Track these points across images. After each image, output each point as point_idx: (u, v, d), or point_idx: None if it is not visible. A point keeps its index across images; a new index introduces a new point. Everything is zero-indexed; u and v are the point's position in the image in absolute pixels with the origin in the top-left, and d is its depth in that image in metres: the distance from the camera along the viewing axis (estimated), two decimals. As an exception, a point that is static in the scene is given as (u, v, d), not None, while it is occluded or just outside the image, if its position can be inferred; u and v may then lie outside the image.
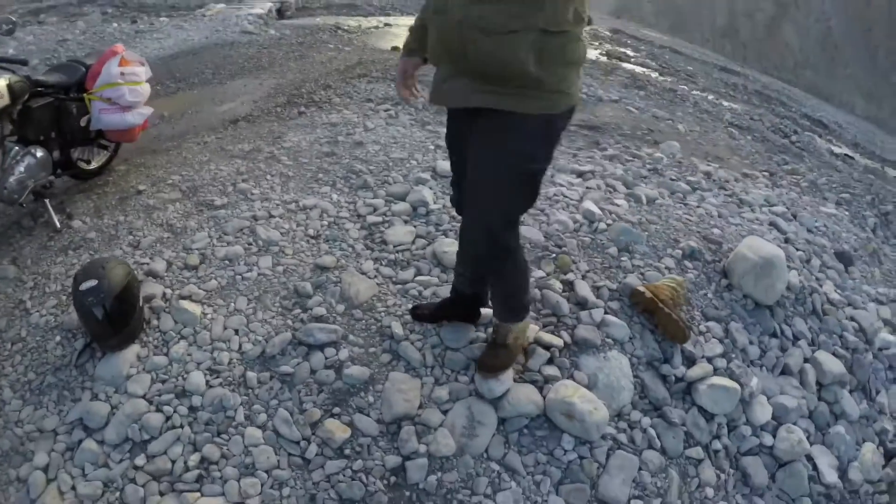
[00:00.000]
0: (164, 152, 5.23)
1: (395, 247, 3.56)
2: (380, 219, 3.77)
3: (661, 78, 14.20)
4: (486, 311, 3.01)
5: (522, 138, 2.04)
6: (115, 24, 12.01)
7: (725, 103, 14.63)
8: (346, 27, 13.05)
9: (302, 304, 3.08)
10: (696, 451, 2.92)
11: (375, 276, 3.33)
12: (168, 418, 2.55)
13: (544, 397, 2.76)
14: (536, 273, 3.52)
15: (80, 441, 2.51)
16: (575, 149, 6.78)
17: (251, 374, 2.69)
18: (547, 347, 2.99)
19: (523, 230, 3.87)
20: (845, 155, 15.74)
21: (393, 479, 2.42)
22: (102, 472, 2.40)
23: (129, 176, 4.66)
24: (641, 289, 3.33)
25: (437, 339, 2.92)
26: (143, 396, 2.63)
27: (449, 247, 3.49)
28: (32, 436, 2.56)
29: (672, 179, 5.71)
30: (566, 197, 4.46)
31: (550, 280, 3.44)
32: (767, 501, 2.94)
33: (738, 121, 12.67)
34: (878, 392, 3.97)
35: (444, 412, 2.64)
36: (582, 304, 3.31)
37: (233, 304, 3.06)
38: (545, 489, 2.53)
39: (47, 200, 3.85)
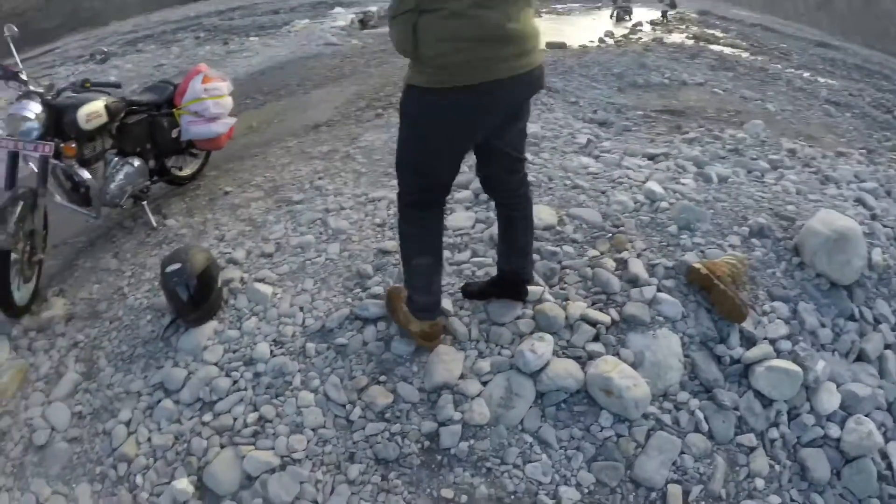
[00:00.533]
0: (250, 158, 5.61)
1: (454, 231, 3.60)
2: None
3: (752, 57, 13.45)
4: (535, 289, 3.02)
5: (404, 102, 2.22)
6: (207, 47, 12.53)
7: (822, 80, 13.71)
8: None
9: (362, 284, 3.21)
10: (749, 439, 2.67)
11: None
12: (235, 382, 2.76)
13: (586, 373, 2.65)
14: (590, 252, 3.38)
15: (160, 401, 2.76)
16: (654, 134, 6.52)
17: (310, 345, 2.85)
18: (594, 324, 2.88)
19: (580, 212, 3.75)
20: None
21: (427, 443, 2.48)
22: (175, 426, 2.64)
23: (219, 180, 5.08)
24: (697, 265, 3.09)
25: (485, 314, 2.94)
26: (216, 364, 2.87)
27: None
28: (120, 396, 2.84)
29: (752, 159, 5.35)
30: (630, 179, 4.23)
31: (603, 259, 3.33)
32: (828, 500, 2.69)
33: (836, 97, 11.87)
34: None
35: (484, 383, 2.65)
36: (633, 282, 3.13)
37: (300, 286, 3.26)
38: (576, 464, 2.44)
39: (145, 203, 4.28)
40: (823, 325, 3.28)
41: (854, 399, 2.98)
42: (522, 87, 2.19)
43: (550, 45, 11.01)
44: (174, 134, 4.56)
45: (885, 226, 4.31)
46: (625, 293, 3.11)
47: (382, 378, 2.67)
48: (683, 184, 4.17)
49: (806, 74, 13.44)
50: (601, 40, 12.70)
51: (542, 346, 2.68)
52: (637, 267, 3.22)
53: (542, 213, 3.67)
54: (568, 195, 3.99)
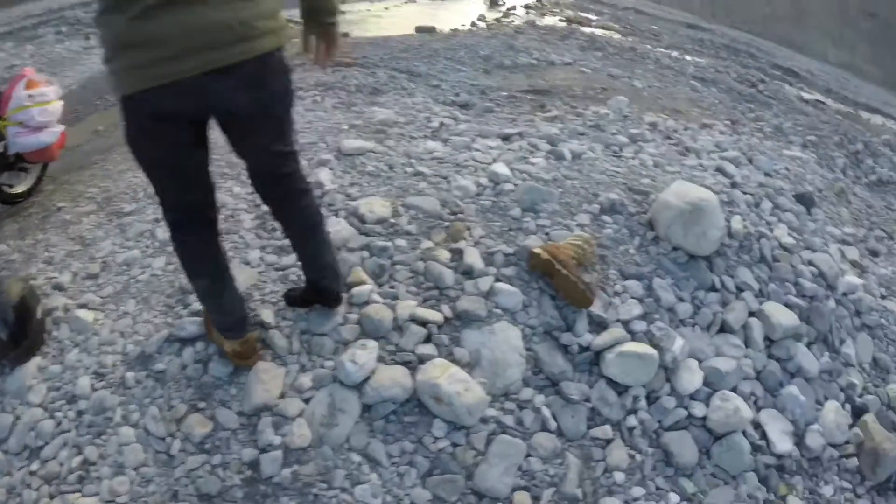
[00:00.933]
0: (89, 167, 5.00)
1: (283, 232, 3.21)
2: None
3: (622, 39, 13.57)
4: (362, 290, 2.77)
5: None
6: (66, 43, 11.56)
7: (689, 58, 13.98)
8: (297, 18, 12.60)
9: (184, 300, 2.93)
10: (604, 431, 2.47)
11: (259, 265, 3.07)
12: (58, 423, 2.50)
13: (415, 380, 2.42)
14: (424, 244, 3.02)
15: (-11, 452, 2.44)
16: (516, 113, 6.28)
17: (130, 375, 2.60)
18: (424, 324, 2.61)
19: (418, 200, 3.38)
20: (816, 100, 15.10)
21: (249, 472, 2.28)
22: (6, 479, 2.38)
23: (54, 195, 4.54)
24: (538, 250, 2.77)
25: (306, 323, 2.68)
26: (41, 405, 2.59)
27: (334, 226, 3.17)
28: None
29: (612, 134, 5.17)
30: (477, 161, 3.89)
31: (437, 250, 2.97)
32: (698, 481, 2.45)
33: (702, 74, 12.07)
34: (842, 342, 3.39)
35: (306, 401, 2.43)
36: (468, 273, 2.82)
37: (123, 308, 2.95)
38: (409, 481, 2.22)
39: None
40: (682, 300, 3.04)
41: (717, 375, 2.76)
42: (229, 82, 1.79)
43: (420, 30, 10.66)
44: (1, 148, 4.11)
45: (745, 192, 4.18)
46: (459, 286, 2.78)
47: (202, 405, 2.44)
48: (533, 163, 3.87)
49: (675, 54, 13.67)
50: (473, 24, 12.47)
51: (363, 355, 2.42)
52: (473, 256, 2.88)
53: (375, 206, 3.28)
54: (407, 183, 3.60)
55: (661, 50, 13.59)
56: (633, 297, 2.91)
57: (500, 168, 3.65)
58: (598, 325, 2.72)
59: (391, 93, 6.48)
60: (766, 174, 5.11)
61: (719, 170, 4.48)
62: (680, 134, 5.52)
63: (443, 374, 2.32)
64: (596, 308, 2.72)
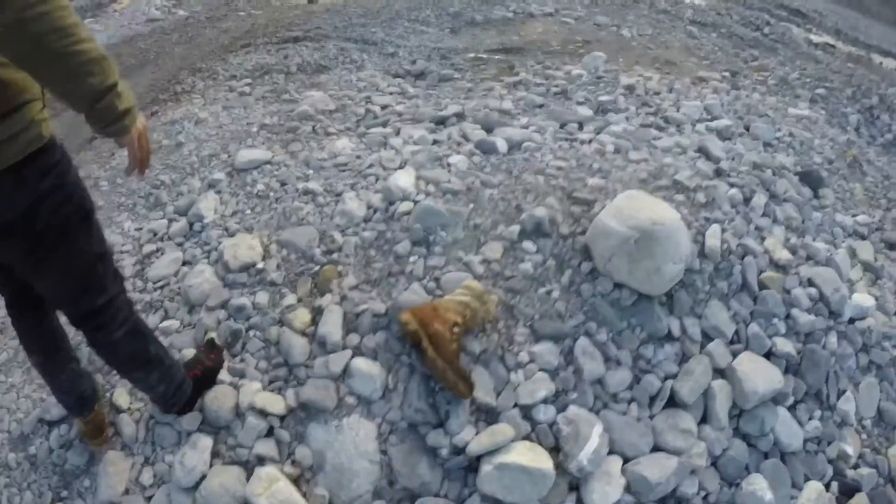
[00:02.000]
0: None
1: (154, 283, 2.67)
2: (155, 246, 2.86)
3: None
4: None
5: None
6: None
7: (686, 1, 12.58)
8: None
9: None
10: None
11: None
12: None
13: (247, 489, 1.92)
14: (286, 300, 2.23)
15: None
16: (478, 79, 5.25)
17: (12, 456, 2.27)
18: (266, 414, 2.04)
19: (294, 235, 2.55)
20: (826, 44, 13.56)
21: None
22: None
23: None
24: (406, 317, 1.89)
25: (152, 409, 2.21)
26: None
27: (196, 277, 2.49)
28: None
29: (577, 103, 4.17)
30: (383, 167, 2.93)
31: (295, 311, 2.13)
32: None
33: (701, 17, 10.66)
34: (841, 394, 2.43)
35: (149, 498, 2.03)
36: (323, 345, 1.93)
37: (10, 379, 2.57)
38: None
39: None
40: (617, 364, 2.10)
41: (644, 485, 1.87)
42: None
43: None
44: None
45: (731, 184, 3.13)
46: (311, 364, 1.92)
47: (64, 493, 2.13)
48: (450, 164, 2.87)
49: (674, -4, 12.29)
50: None
51: (193, 456, 1.96)
52: (331, 322, 2.03)
53: (242, 248, 2.47)
54: (291, 208, 2.71)
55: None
56: (543, 370, 2.00)
57: (402, 179, 2.65)
58: (486, 415, 1.82)
59: (337, 69, 5.50)
60: (767, 144, 4.05)
61: (702, 150, 3.44)
62: (661, 98, 4.45)
63: (266, 491, 1.79)
64: (483, 393, 1.81)
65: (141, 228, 3.00)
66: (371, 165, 2.95)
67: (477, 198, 2.57)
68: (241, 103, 4.50)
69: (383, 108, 4.14)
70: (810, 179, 3.68)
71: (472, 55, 6.02)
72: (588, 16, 8.22)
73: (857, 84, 6.75)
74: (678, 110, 4.19)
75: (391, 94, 4.57)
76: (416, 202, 2.51)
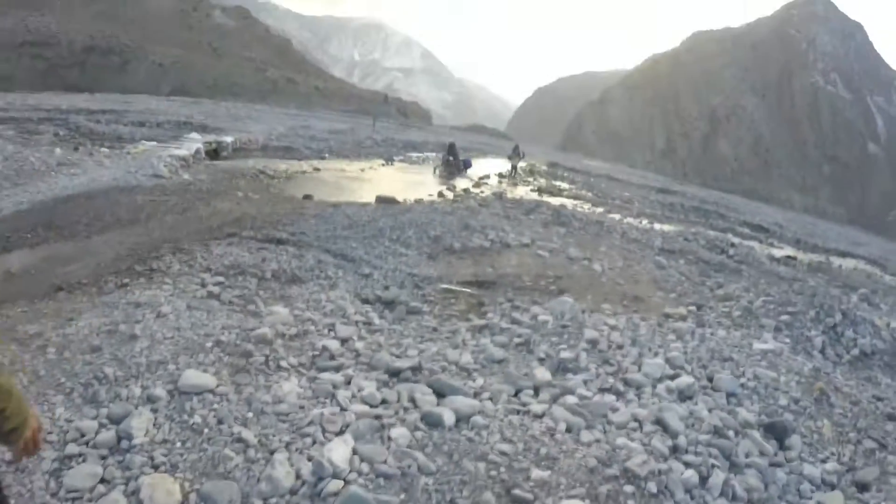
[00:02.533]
0: None
1: (68, 493, 2.40)
2: (78, 450, 2.60)
3: (591, 209, 12.66)
4: None
5: None
6: (58, 150, 10.69)
7: (658, 227, 13.00)
8: (271, 172, 11.76)
9: None
10: None
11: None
12: None
13: None
14: None
15: None
16: (445, 315, 5.12)
17: None
18: None
19: (214, 489, 2.28)
20: (787, 257, 13.94)
21: None
22: None
23: None
24: None
25: None
26: None
27: None
28: None
29: (539, 359, 4.01)
30: (323, 428, 2.69)
31: None
32: None
33: (670, 245, 10.99)
34: None
35: None
36: None
37: None
38: None
39: None
40: None
41: None
42: None
43: (380, 200, 9.76)
44: None
45: (687, 464, 2.87)
46: None
47: None
48: (390, 438, 2.60)
49: (644, 222, 12.79)
50: (441, 194, 11.56)
51: None
52: None
53: (158, 492, 2.24)
54: (220, 455, 2.45)
55: (630, 220, 12.63)
56: None
57: (336, 452, 2.38)
58: None
59: (311, 283, 5.39)
60: (731, 395, 3.85)
61: (659, 422, 3.19)
62: (624, 353, 4.28)
63: None
64: None
65: (71, 421, 2.77)
66: (311, 423, 2.69)
67: (410, 486, 2.26)
68: (206, 307, 4.22)
69: (343, 342, 3.91)
70: (776, 431, 3.46)
71: (444, 286, 5.97)
72: (562, 247, 8.39)
73: (819, 304, 6.68)
74: (639, 369, 4.01)
75: (356, 323, 4.41)
76: (346, 482, 2.21)
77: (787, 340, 5.79)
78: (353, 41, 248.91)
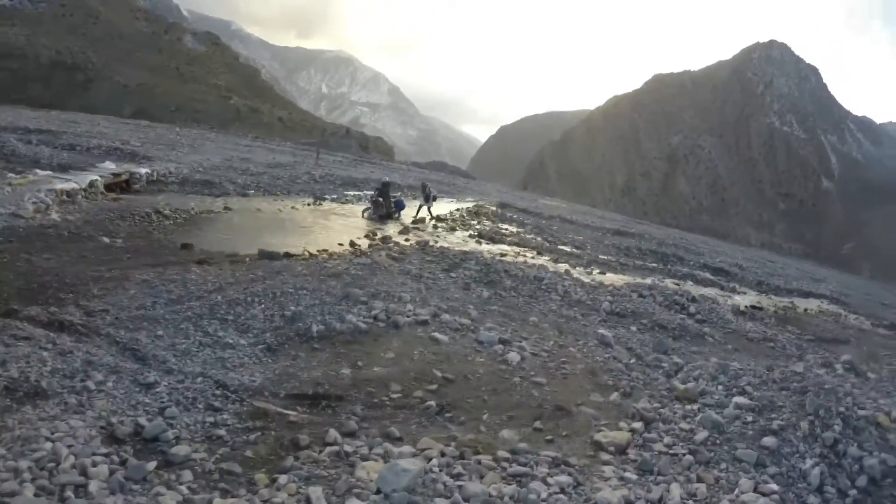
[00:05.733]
0: None
1: None
2: None
3: (531, 261, 10.29)
4: None
5: None
6: None
7: (610, 279, 10.77)
8: (169, 211, 9.32)
9: None
10: None
11: None
12: None
13: None
14: None
15: None
16: (216, 476, 2.89)
17: None
18: None
19: None
20: (751, 307, 11.95)
21: None
22: None
23: None
24: None
25: None
26: None
27: None
28: None
29: None
30: None
31: None
32: None
33: (621, 305, 8.71)
34: None
35: None
36: None
37: None
38: None
39: None
40: None
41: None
42: None
43: (262, 254, 7.25)
44: None
45: None
46: None
47: None
48: None
49: (594, 273, 10.54)
50: (352, 244, 8.98)
51: None
52: None
53: None
54: None
55: (577, 272, 10.21)
56: None
57: None
58: None
59: (55, 399, 3.45)
60: None
61: None
62: None
63: None
64: None
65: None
66: None
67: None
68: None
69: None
70: None
71: (261, 404, 3.67)
72: (476, 322, 6.06)
73: (814, 410, 4.46)
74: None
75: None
76: None
77: (775, 486, 3.62)
78: (321, 74, 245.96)
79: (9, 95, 30.07)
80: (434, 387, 4.39)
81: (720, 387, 5.70)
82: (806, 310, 13.65)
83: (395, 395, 4.17)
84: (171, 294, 5.36)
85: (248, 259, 6.94)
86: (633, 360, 6.48)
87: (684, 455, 4.09)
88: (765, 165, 61.92)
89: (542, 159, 75.54)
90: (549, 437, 4.07)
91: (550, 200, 23.51)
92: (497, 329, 6.15)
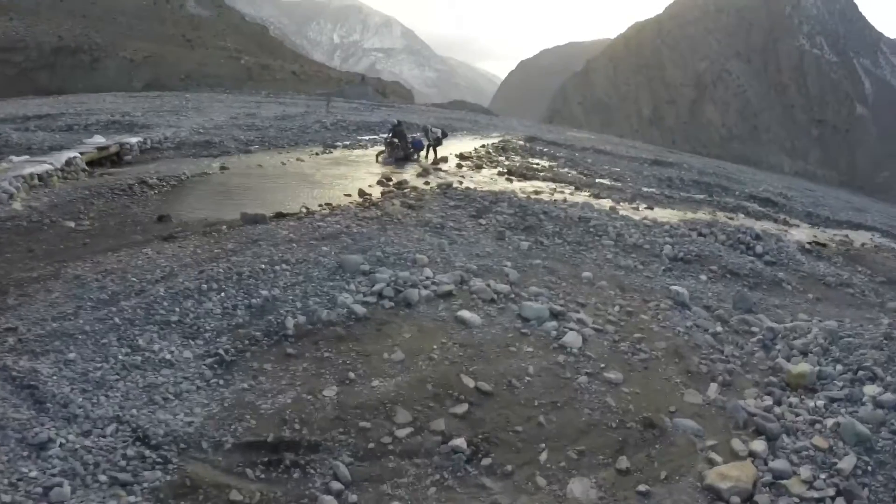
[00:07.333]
0: None
1: None
2: None
3: (572, 198, 8.54)
4: None
5: None
6: None
7: (662, 215, 8.88)
8: (153, 181, 7.73)
9: None
10: None
11: None
12: None
13: None
14: None
15: None
16: None
17: None
18: None
19: None
20: (815, 244, 10.28)
21: None
22: None
23: None
24: None
25: None
26: None
27: None
28: None
29: None
30: None
31: None
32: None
33: (684, 248, 6.98)
34: None
35: None
36: None
37: None
38: None
39: None
40: None
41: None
42: None
43: (245, 219, 5.57)
44: None
45: None
46: None
47: None
48: None
49: (641, 212, 8.74)
50: (361, 193, 7.30)
51: None
52: None
53: None
54: None
55: (624, 209, 8.52)
56: None
57: None
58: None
59: None
60: None
61: None
62: None
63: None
64: None
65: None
66: None
67: None
68: None
69: None
70: None
71: (193, 469, 2.21)
72: (518, 284, 4.39)
73: None
74: None
75: None
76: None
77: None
78: (332, 24, 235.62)
79: (15, 87, 28.36)
80: (463, 408, 2.86)
81: (838, 366, 4.13)
82: (863, 244, 11.77)
83: (401, 433, 2.64)
84: (102, 292, 3.77)
85: (225, 227, 5.28)
86: (719, 328, 4.84)
87: (833, 500, 2.59)
88: (796, 90, 57.39)
89: (566, 92, 71.41)
90: (641, 487, 2.50)
91: (578, 132, 21.26)
92: (545, 294, 4.53)
